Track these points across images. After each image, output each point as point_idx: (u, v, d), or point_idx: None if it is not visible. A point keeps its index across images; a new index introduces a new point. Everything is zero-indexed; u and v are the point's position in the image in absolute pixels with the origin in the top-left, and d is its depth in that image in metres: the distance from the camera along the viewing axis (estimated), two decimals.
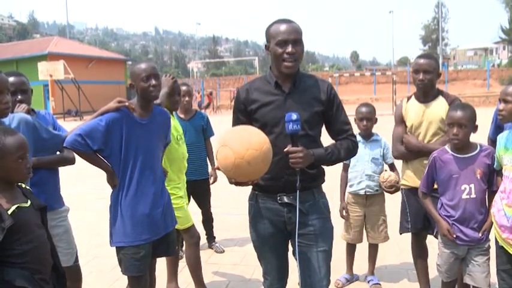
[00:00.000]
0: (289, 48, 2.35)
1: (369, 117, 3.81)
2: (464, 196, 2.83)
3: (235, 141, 2.19)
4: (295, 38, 2.36)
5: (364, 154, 3.81)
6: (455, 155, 2.87)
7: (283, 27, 2.37)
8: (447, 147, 2.93)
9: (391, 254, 4.52)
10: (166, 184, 3.37)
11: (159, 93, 2.85)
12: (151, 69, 2.75)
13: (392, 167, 3.87)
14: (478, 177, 2.82)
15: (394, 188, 3.63)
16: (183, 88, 4.36)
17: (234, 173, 2.22)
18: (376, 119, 3.92)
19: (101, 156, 2.74)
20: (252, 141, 2.18)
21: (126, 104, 2.73)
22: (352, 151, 2.54)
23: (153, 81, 2.73)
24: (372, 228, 3.90)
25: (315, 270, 2.44)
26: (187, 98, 4.38)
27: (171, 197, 3.36)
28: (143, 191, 2.76)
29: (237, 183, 2.31)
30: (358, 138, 3.61)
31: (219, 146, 2.24)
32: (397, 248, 4.61)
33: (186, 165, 3.79)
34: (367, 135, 3.86)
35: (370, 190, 3.83)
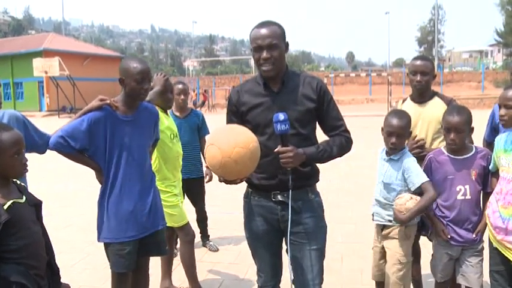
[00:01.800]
0: (264, 54, 2.37)
1: (400, 134, 2.89)
2: (459, 197, 2.83)
3: (222, 140, 2.21)
4: (269, 43, 2.36)
5: (379, 174, 3.06)
6: (451, 156, 2.86)
7: (258, 33, 2.39)
8: (443, 149, 2.93)
9: None
10: (161, 182, 3.37)
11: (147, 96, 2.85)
12: (147, 73, 2.73)
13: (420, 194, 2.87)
14: (473, 179, 2.81)
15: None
16: (179, 86, 4.35)
17: (222, 171, 2.24)
18: (411, 132, 3.03)
19: (87, 154, 2.74)
20: (239, 139, 2.19)
21: (108, 101, 2.72)
22: (346, 147, 2.54)
23: (146, 85, 2.73)
24: (386, 266, 3.07)
25: (308, 269, 2.46)
26: (182, 97, 4.38)
27: (166, 195, 3.36)
28: (128, 188, 2.75)
29: (226, 181, 2.33)
30: (382, 152, 3.07)
31: (207, 145, 2.27)
32: None
33: (181, 163, 3.79)
34: (394, 152, 2.97)
35: (380, 219, 3.04)
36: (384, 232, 3.03)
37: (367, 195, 7.07)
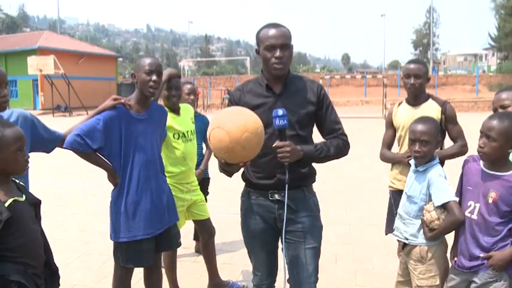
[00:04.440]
0: (277, 53, 2.41)
1: (424, 140, 2.60)
2: (466, 213, 2.48)
3: (231, 124, 2.17)
4: (282, 43, 2.41)
5: (406, 185, 2.78)
6: (482, 166, 2.47)
7: (271, 32, 2.43)
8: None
9: (378, 256, 4.58)
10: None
11: (157, 91, 2.87)
12: (156, 65, 2.79)
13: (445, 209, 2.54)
14: (489, 201, 2.36)
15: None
16: (188, 86, 4.31)
17: (228, 155, 2.22)
18: (440, 140, 2.83)
19: (101, 155, 2.77)
20: (248, 124, 2.18)
21: (122, 100, 2.76)
22: (343, 150, 2.57)
23: (154, 77, 2.76)
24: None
25: (303, 267, 2.49)
26: (192, 97, 4.31)
27: None
28: (145, 187, 2.80)
29: (227, 165, 2.32)
30: (412, 162, 2.79)
31: (213, 128, 2.22)
32: (384, 249, 4.66)
33: (191, 165, 3.73)
34: (420, 162, 2.68)
35: (399, 236, 2.78)
36: (405, 250, 2.77)
37: (361, 196, 7.16)
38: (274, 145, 2.33)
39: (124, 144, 2.75)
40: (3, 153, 1.99)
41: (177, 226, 3.53)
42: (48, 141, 2.67)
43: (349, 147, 2.61)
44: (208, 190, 4.81)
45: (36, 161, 3.32)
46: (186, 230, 4.95)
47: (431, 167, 2.64)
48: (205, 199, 4.78)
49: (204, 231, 3.87)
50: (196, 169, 4.34)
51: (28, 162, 2.11)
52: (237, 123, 2.17)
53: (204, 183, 4.62)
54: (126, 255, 2.83)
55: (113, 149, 2.75)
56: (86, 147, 2.66)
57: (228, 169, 2.38)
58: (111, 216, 2.84)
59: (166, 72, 3.47)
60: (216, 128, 2.20)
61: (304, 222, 2.50)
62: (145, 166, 2.80)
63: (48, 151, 2.73)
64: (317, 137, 2.59)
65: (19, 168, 2.06)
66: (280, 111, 2.30)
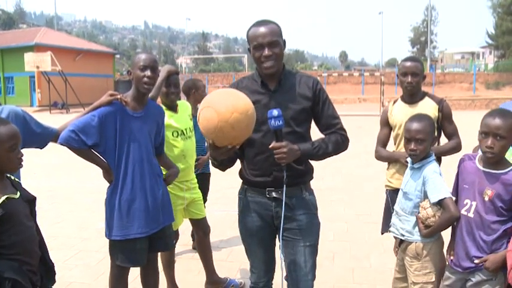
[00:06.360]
0: (265, 52, 2.39)
1: (419, 139, 2.61)
2: (462, 211, 2.49)
3: (221, 104, 2.15)
4: (269, 41, 2.39)
5: (403, 182, 2.81)
6: (478, 165, 2.45)
7: (258, 31, 2.41)
8: (479, 157, 2.49)
9: (375, 253, 4.58)
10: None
11: (153, 87, 2.83)
12: (150, 61, 2.76)
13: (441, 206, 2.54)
14: (486, 198, 2.36)
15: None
16: (202, 83, 4.32)
17: (216, 136, 2.18)
18: (436, 137, 2.86)
19: (96, 151, 2.74)
20: (238, 105, 2.16)
21: (118, 97, 2.73)
22: (342, 145, 2.54)
23: (149, 73, 2.73)
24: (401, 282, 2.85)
25: (301, 265, 2.48)
26: (205, 93, 4.33)
27: None
28: (139, 185, 2.77)
29: (215, 148, 2.27)
30: (409, 160, 2.79)
31: (203, 107, 2.20)
32: (381, 247, 4.67)
33: (191, 163, 3.72)
34: (415, 160, 2.69)
35: (395, 232, 2.81)
36: (401, 247, 2.79)
37: (359, 193, 7.17)
38: (270, 146, 2.30)
39: (119, 141, 2.73)
40: None
41: (172, 226, 3.53)
42: (41, 136, 2.65)
43: (348, 142, 2.58)
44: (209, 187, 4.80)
45: (33, 159, 3.31)
46: (184, 227, 4.95)
47: (426, 163, 2.65)
48: (206, 195, 4.80)
49: (199, 230, 3.86)
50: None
51: (22, 160, 2.09)
52: (226, 103, 2.14)
53: (204, 178, 4.62)
54: (121, 254, 2.82)
55: (108, 145, 2.72)
56: (80, 143, 2.63)
57: (216, 155, 2.32)
58: (106, 213, 2.83)
59: (165, 69, 3.45)
60: (205, 108, 2.18)
61: (301, 220, 2.49)
62: (140, 164, 2.77)
63: (41, 146, 2.71)
64: (316, 133, 2.59)
65: (12, 166, 2.05)
66: (276, 112, 2.26)
